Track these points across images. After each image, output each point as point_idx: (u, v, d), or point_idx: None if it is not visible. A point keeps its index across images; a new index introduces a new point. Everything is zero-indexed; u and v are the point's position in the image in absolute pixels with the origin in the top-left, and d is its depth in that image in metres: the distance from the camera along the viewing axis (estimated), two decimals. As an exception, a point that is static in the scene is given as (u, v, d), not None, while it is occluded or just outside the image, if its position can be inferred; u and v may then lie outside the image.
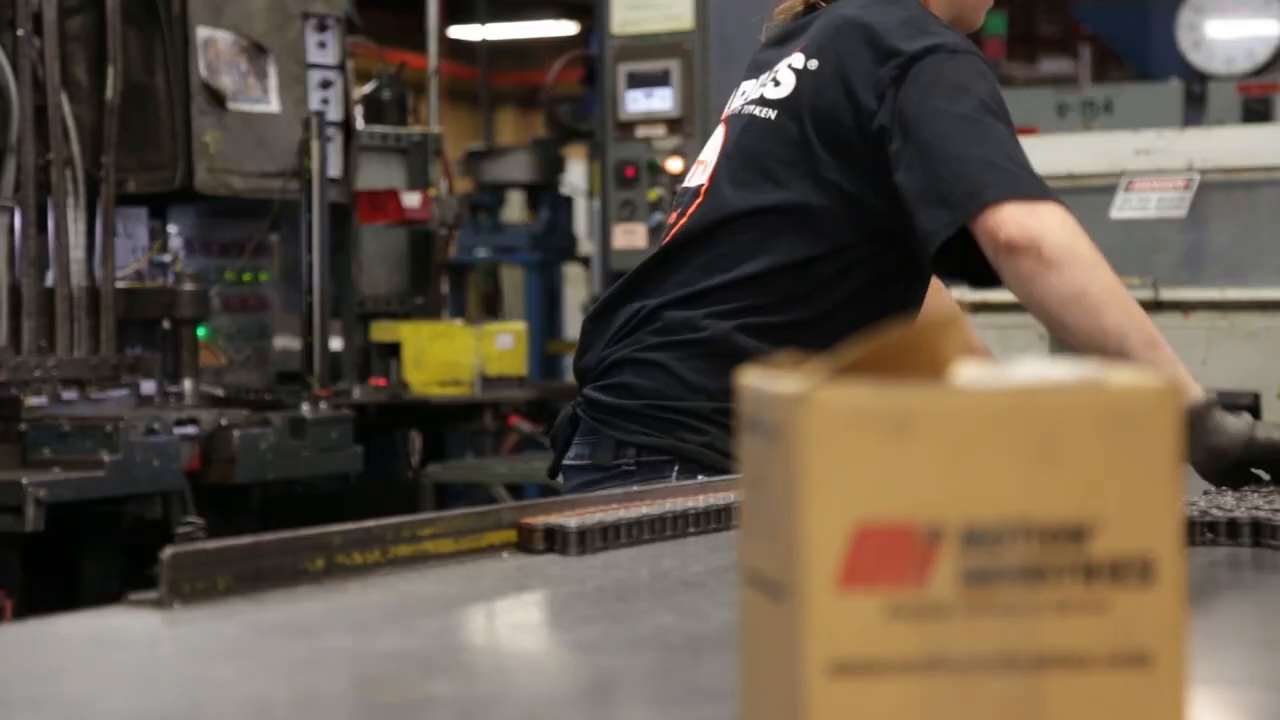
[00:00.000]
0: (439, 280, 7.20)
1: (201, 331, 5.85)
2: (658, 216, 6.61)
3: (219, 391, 5.79)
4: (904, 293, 2.59)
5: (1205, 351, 4.84)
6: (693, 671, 1.29)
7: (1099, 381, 0.92)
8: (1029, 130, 7.11)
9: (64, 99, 5.14)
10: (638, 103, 6.66)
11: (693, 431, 2.48)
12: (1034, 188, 2.32)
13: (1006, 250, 2.29)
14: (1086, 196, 5.43)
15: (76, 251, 5.16)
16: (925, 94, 2.40)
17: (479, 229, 9.84)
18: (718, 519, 1.98)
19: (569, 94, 10.37)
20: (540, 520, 1.82)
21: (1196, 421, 2.21)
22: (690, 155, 5.41)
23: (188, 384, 5.71)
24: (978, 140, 2.35)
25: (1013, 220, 2.28)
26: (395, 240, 6.90)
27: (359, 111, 6.54)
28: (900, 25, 2.47)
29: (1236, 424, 2.22)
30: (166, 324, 5.72)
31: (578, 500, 1.97)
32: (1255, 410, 4.80)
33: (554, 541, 1.80)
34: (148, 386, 5.58)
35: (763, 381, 0.95)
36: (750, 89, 2.63)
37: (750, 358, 2.39)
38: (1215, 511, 1.91)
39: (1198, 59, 8.21)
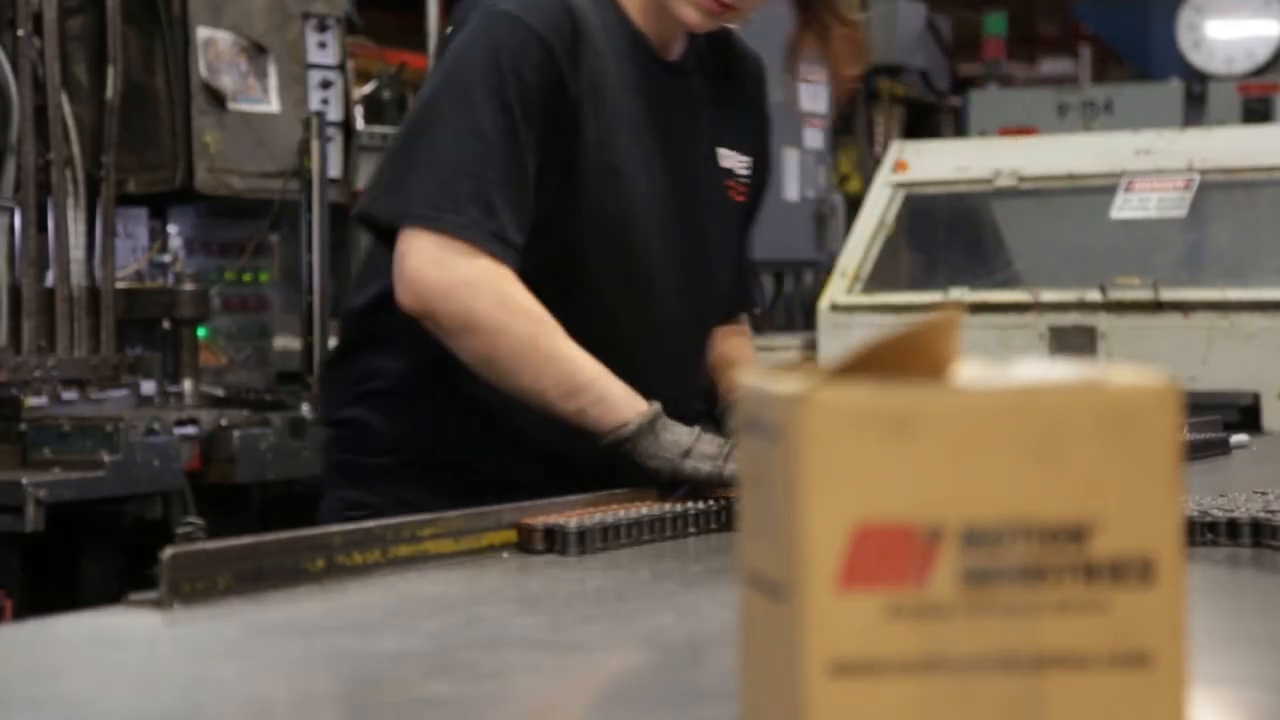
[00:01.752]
0: (439, 280, 7.19)
1: (201, 331, 5.85)
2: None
3: (219, 391, 5.79)
4: (583, 300, 2.23)
5: (1205, 351, 4.84)
6: (693, 671, 1.29)
7: (1099, 381, 0.92)
8: (1029, 130, 7.11)
9: (64, 99, 5.14)
10: (638, 103, 6.64)
11: (388, 484, 2.27)
12: (455, 224, 2.09)
13: (407, 305, 2.12)
14: (1086, 196, 5.43)
15: (76, 251, 5.15)
16: (433, 74, 2.24)
17: (479, 229, 9.83)
18: (718, 519, 1.98)
19: (569, 94, 10.35)
20: (540, 520, 1.82)
21: (638, 439, 2.08)
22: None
23: (188, 384, 5.70)
24: (427, 149, 2.14)
25: (409, 278, 2.10)
26: (395, 240, 6.89)
27: (359, 111, 6.53)
28: None
29: (673, 446, 2.07)
30: (166, 324, 5.72)
31: (578, 500, 1.97)
32: (1255, 410, 4.80)
33: (554, 541, 1.80)
34: (148, 386, 5.57)
35: (763, 382, 0.94)
36: None
37: (433, 399, 2.22)
38: (1215, 511, 1.91)
39: (1198, 59, 8.22)
